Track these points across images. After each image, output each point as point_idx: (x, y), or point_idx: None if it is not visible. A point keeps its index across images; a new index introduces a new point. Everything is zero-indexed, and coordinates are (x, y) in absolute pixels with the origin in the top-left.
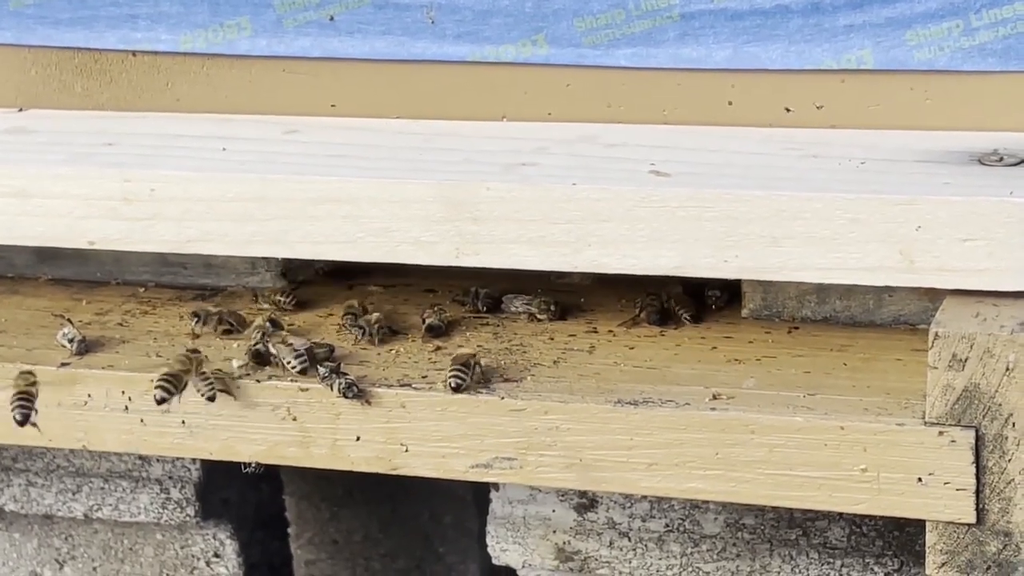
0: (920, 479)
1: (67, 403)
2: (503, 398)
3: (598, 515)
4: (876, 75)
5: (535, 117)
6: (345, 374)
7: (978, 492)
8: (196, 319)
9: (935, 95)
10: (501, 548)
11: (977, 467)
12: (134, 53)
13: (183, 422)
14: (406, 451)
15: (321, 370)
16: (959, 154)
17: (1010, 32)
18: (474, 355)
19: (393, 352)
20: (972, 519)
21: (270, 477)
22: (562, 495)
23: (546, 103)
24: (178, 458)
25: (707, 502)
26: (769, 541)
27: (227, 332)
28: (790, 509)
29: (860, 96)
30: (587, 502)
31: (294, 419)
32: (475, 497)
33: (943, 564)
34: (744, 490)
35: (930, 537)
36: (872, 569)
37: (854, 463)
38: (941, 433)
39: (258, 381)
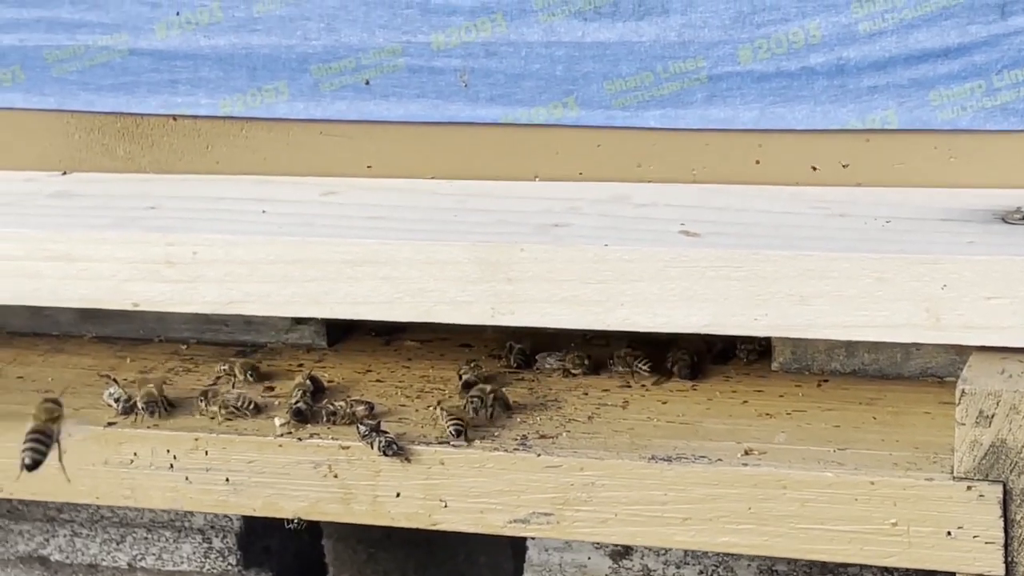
0: (949, 532)
1: (114, 461)
2: (539, 455)
3: (633, 562)
4: (900, 135)
5: (566, 177)
6: (385, 432)
7: (1006, 545)
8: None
9: (958, 154)
10: None
11: (1005, 520)
12: (175, 117)
13: (227, 480)
14: (445, 507)
15: (361, 428)
16: (983, 212)
17: None
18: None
19: (430, 408)
20: (1001, 571)
21: (310, 525)
22: (597, 543)
23: (577, 163)
24: None
25: None
26: None
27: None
28: None
29: (885, 155)
30: (622, 550)
31: (335, 476)
32: (510, 539)
33: None
34: (777, 544)
35: None
36: None
37: (884, 517)
38: (969, 488)
39: (299, 439)
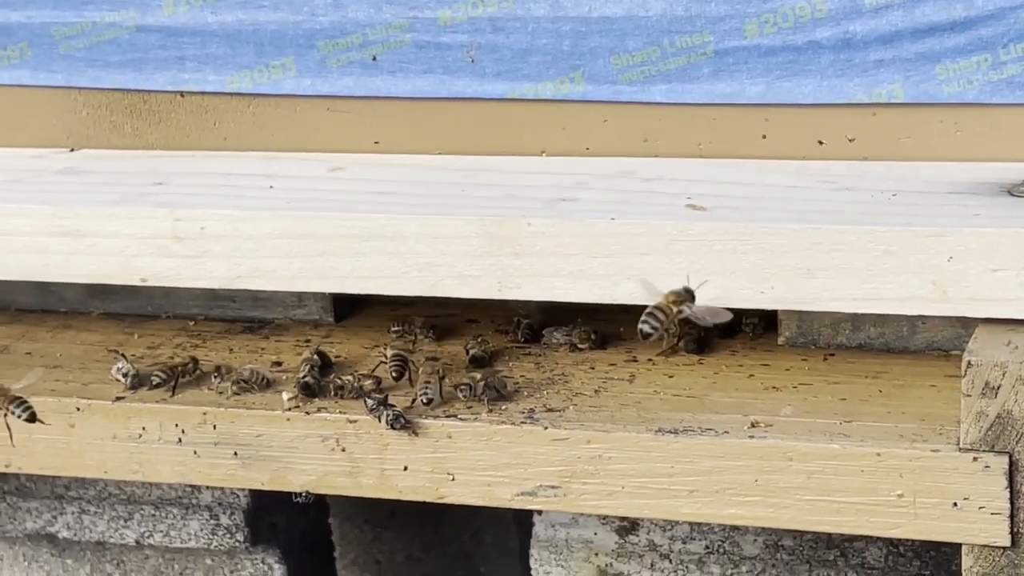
0: (955, 504)
1: (122, 436)
2: (546, 428)
3: (639, 538)
4: (907, 108)
5: (573, 152)
6: (392, 406)
7: (1012, 516)
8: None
9: (965, 127)
10: (544, 570)
11: (1011, 491)
12: (182, 94)
13: (235, 454)
14: (452, 480)
15: (369, 402)
16: (989, 185)
17: None
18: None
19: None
20: (1007, 542)
21: (317, 501)
22: (603, 519)
23: (584, 138)
24: None
25: (746, 524)
26: (808, 562)
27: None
28: None
29: (891, 129)
30: (628, 525)
31: (343, 450)
32: (516, 517)
33: None
34: (783, 516)
35: (966, 560)
36: None
37: (890, 489)
38: (975, 459)
39: (307, 413)
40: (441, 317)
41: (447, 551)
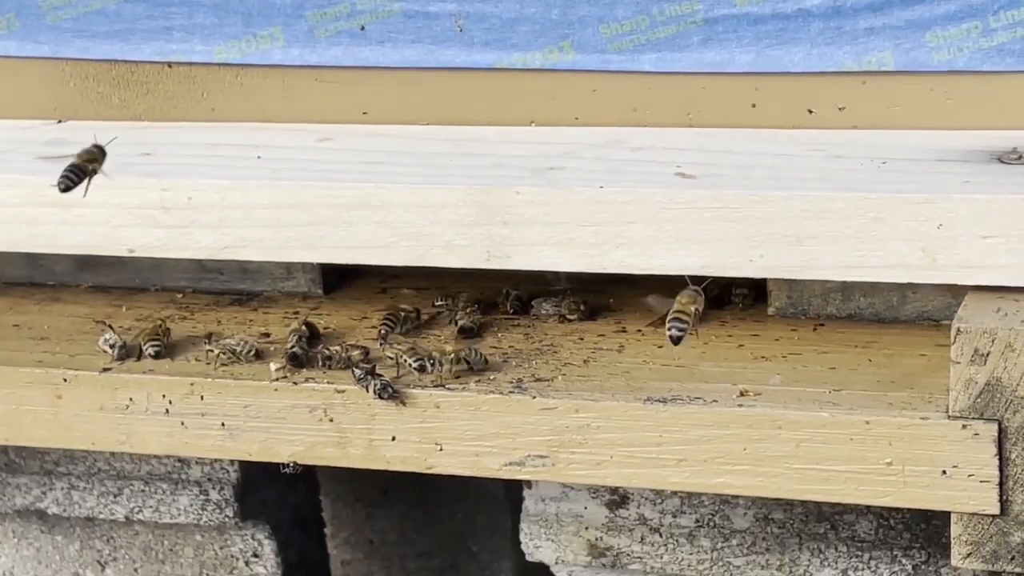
0: (944, 472)
1: (109, 407)
2: (535, 397)
3: (629, 511)
4: (896, 76)
5: (562, 122)
6: (380, 376)
7: (1001, 484)
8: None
9: (955, 95)
10: (535, 545)
11: (1000, 459)
12: (170, 64)
13: (223, 424)
14: (440, 450)
15: (356, 372)
16: (979, 153)
17: None
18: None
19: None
20: (996, 510)
21: (307, 478)
22: (594, 492)
23: (573, 108)
24: (216, 460)
25: (736, 498)
26: (798, 535)
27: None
28: (818, 504)
29: (881, 97)
30: (618, 499)
31: (331, 420)
32: (508, 496)
33: (968, 555)
34: (772, 484)
35: (955, 528)
36: (900, 561)
37: (879, 457)
38: (964, 426)
39: (295, 383)
40: (486, 292)
41: (440, 530)
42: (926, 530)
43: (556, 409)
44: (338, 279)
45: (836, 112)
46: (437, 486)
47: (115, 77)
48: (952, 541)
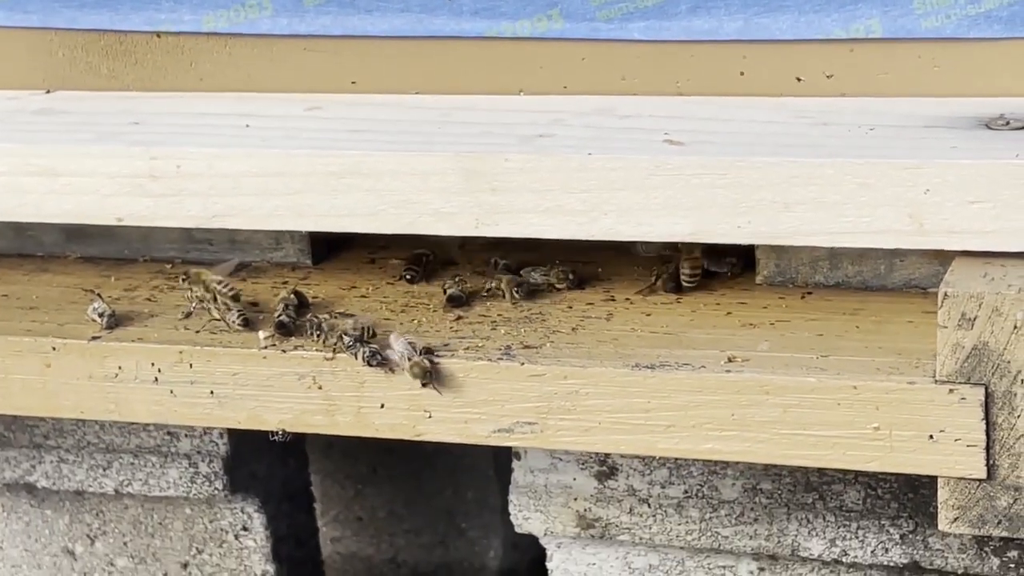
0: (931, 436)
1: (98, 375)
2: (523, 364)
3: (618, 482)
4: (884, 44)
5: (551, 91)
6: (369, 343)
7: (988, 448)
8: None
9: (942, 62)
10: (523, 516)
11: (987, 423)
12: (158, 34)
13: (212, 392)
14: (429, 417)
15: (346, 339)
16: (966, 119)
17: None
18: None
19: (415, 322)
20: (983, 475)
21: (296, 451)
22: (582, 464)
23: (562, 77)
24: (206, 432)
25: (725, 468)
26: (786, 505)
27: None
28: (806, 473)
29: (869, 65)
30: (607, 470)
31: (320, 388)
32: (497, 473)
33: (955, 519)
34: (759, 450)
35: (942, 493)
36: (887, 531)
37: (867, 421)
38: (951, 391)
39: (284, 351)
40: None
41: (429, 507)
42: (914, 499)
43: (544, 376)
44: (327, 250)
45: (824, 80)
46: (427, 463)
47: (104, 47)
48: (939, 506)
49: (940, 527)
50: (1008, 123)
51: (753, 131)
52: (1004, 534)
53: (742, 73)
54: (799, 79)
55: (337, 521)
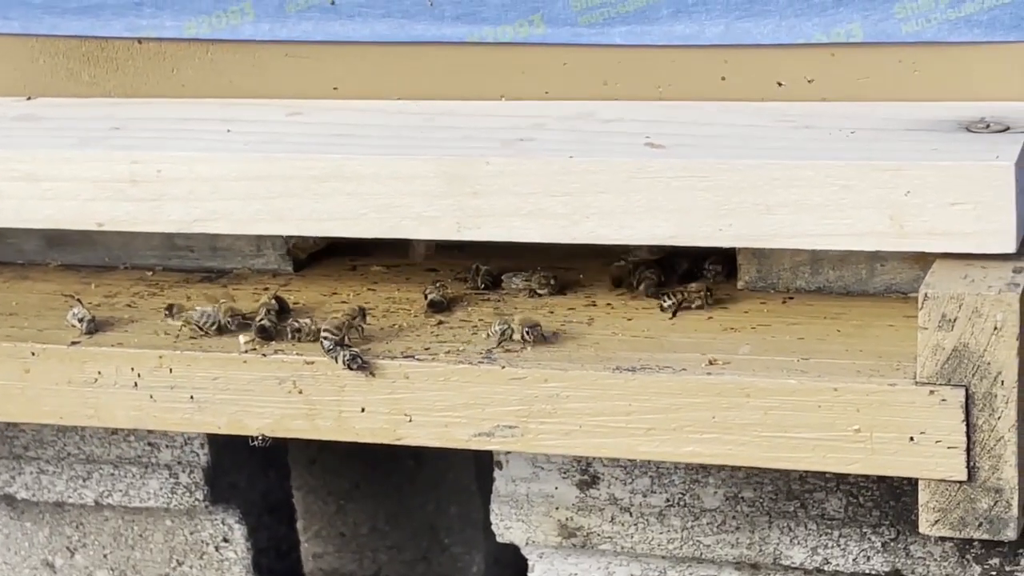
0: (912, 438)
1: (77, 380)
2: (504, 367)
3: (600, 491)
4: (865, 48)
5: (533, 96)
6: (349, 347)
7: (969, 450)
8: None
9: (923, 67)
10: (505, 526)
11: (967, 425)
12: (140, 40)
13: (191, 397)
14: (410, 421)
15: (325, 343)
16: (947, 123)
17: (995, 3)
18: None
19: (396, 327)
20: (963, 476)
21: (277, 462)
22: (564, 472)
23: (543, 82)
24: (187, 443)
25: (707, 477)
26: (768, 513)
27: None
28: (788, 481)
29: (850, 69)
30: (589, 479)
31: (300, 392)
32: (480, 488)
33: (936, 522)
34: (740, 453)
35: (923, 495)
36: (869, 539)
37: (847, 424)
38: (932, 392)
39: (264, 356)
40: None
41: (411, 522)
42: (895, 507)
43: (525, 379)
44: (308, 257)
45: (805, 84)
46: (409, 478)
47: (85, 53)
48: (920, 509)
49: (921, 530)
50: (988, 126)
51: (734, 135)
52: (985, 536)
53: (723, 78)
54: (780, 84)
55: (319, 537)
